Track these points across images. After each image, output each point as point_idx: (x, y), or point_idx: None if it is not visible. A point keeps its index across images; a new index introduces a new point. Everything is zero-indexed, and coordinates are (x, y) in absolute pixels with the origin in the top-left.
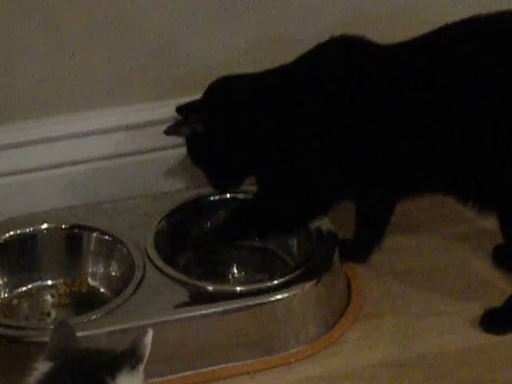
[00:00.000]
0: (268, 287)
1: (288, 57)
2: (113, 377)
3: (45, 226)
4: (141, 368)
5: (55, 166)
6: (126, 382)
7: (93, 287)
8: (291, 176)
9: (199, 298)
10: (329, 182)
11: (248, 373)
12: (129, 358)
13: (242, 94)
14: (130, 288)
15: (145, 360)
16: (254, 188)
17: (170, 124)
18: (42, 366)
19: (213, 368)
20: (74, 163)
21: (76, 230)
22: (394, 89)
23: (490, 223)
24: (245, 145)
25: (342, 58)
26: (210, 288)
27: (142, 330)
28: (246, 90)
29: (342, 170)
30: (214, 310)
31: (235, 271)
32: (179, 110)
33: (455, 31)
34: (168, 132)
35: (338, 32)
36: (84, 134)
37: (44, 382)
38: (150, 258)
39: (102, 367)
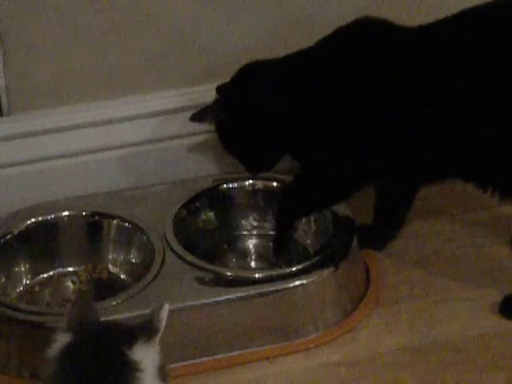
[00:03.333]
0: (286, 273)
1: (308, 41)
2: (130, 347)
3: (66, 213)
4: (156, 340)
5: (75, 154)
6: (142, 353)
7: (113, 274)
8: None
9: (218, 284)
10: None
11: (267, 358)
12: (145, 329)
13: (264, 80)
14: (150, 274)
15: (160, 332)
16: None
17: (194, 111)
18: (62, 337)
19: (231, 354)
20: (94, 151)
21: (96, 218)
22: (418, 71)
23: (509, 210)
24: (269, 130)
25: (367, 40)
26: (229, 274)
27: (158, 305)
28: (269, 75)
29: (366, 149)
30: (232, 295)
31: (253, 258)
32: (217, 89)
33: (479, 14)
34: (193, 119)
35: (358, 14)
36: (103, 123)
37: (64, 353)
38: (169, 245)
39: (119, 338)
